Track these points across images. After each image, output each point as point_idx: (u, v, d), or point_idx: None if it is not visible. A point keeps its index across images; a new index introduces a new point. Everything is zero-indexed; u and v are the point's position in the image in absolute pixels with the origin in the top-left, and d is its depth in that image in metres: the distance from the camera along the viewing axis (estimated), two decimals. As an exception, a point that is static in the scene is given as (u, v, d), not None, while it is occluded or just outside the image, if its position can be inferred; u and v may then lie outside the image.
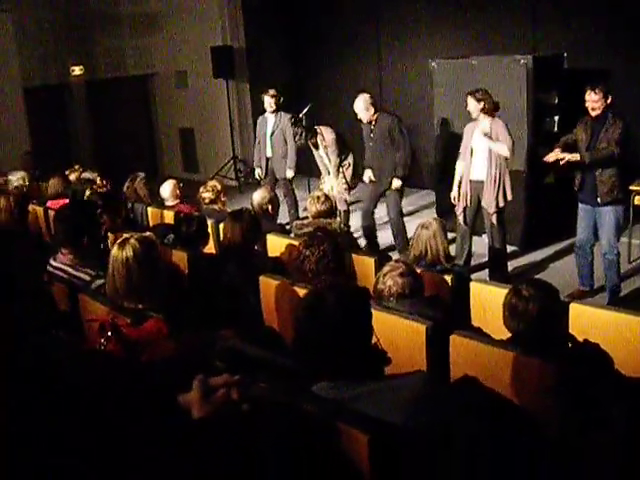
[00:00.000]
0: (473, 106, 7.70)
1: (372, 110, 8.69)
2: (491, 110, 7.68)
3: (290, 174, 10.31)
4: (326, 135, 9.59)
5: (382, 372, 2.84)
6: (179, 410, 2.15)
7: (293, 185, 10.60)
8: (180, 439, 2.00)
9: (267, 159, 10.61)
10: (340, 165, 9.65)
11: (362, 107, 8.70)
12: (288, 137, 10.20)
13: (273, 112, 10.38)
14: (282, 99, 10.44)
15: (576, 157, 7.00)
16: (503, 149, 7.56)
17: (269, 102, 10.33)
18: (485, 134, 7.59)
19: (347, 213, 9.77)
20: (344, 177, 9.65)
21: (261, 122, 10.68)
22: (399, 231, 8.90)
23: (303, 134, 9.65)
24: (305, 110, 10.11)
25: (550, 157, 7.29)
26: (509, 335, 4.10)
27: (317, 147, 9.71)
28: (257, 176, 11.00)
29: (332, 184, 9.68)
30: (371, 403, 2.58)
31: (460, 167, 8.08)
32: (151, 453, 1.91)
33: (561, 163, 7.08)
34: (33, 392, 1.90)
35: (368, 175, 8.95)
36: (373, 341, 2.87)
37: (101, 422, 1.87)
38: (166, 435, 2.03)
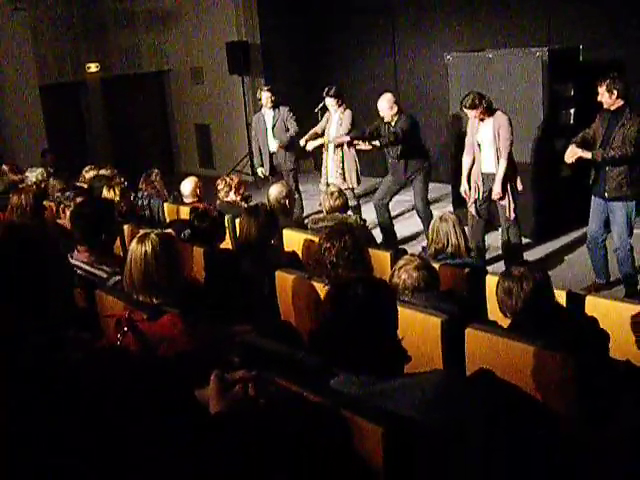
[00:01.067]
0: (472, 115, 7.74)
1: (395, 109, 8.73)
2: (489, 110, 7.69)
3: (293, 131, 10.29)
4: (347, 111, 9.60)
5: (401, 370, 2.83)
6: (197, 404, 2.17)
7: (297, 182, 10.60)
8: (196, 433, 2.03)
9: (271, 154, 10.64)
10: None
11: (386, 106, 8.75)
12: (291, 127, 10.28)
13: (271, 108, 10.43)
14: (278, 95, 10.49)
15: (588, 155, 6.96)
16: (502, 166, 7.63)
17: (267, 97, 10.38)
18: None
19: (358, 208, 9.75)
20: (341, 168, 9.67)
21: (258, 119, 10.70)
22: (427, 219, 8.85)
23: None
24: (320, 105, 10.13)
25: (568, 158, 7.27)
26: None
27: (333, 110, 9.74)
28: (260, 174, 11.06)
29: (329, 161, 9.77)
30: (389, 401, 2.58)
31: (466, 161, 8.10)
32: (162, 449, 1.93)
33: (572, 160, 7.04)
34: (33, 392, 1.92)
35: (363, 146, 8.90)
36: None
37: (107, 420, 1.89)
38: (182, 429, 2.06)
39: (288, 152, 10.41)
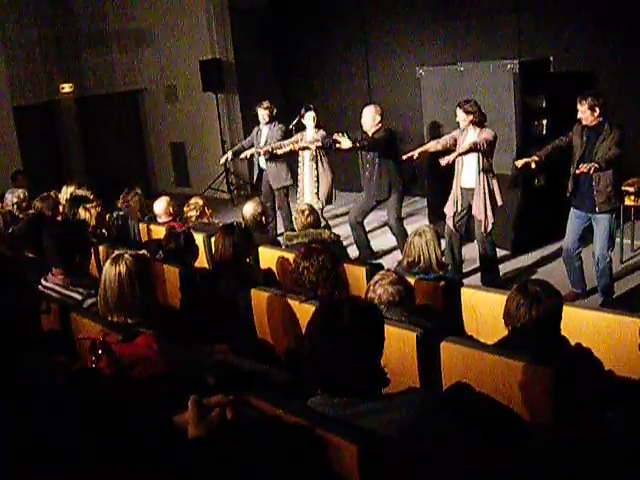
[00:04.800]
0: (462, 117, 7.74)
1: (377, 119, 8.69)
2: (479, 122, 7.70)
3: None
4: (321, 130, 9.62)
5: (380, 392, 2.82)
6: (175, 429, 2.16)
7: (289, 198, 10.56)
8: (175, 457, 2.02)
9: (260, 170, 10.62)
10: (317, 179, 9.73)
11: (373, 112, 8.71)
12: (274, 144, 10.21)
13: (267, 124, 10.37)
14: (275, 111, 10.44)
15: (593, 166, 6.69)
16: (468, 146, 7.55)
17: (263, 114, 10.31)
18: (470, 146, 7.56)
19: (327, 227, 9.77)
20: (316, 188, 9.69)
21: (256, 132, 10.59)
22: (400, 236, 8.85)
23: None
24: (295, 122, 10.13)
25: (520, 162, 7.46)
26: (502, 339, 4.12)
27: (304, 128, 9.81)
28: (224, 159, 11.34)
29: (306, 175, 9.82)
30: (367, 423, 2.57)
31: (432, 142, 8.19)
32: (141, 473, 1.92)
33: (578, 172, 6.88)
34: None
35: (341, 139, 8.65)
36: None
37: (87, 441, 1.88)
38: (161, 452, 2.05)
39: (277, 170, 10.31)
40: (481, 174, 7.66)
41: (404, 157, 7.96)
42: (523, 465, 3.35)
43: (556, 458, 3.42)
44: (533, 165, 7.32)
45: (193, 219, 7.69)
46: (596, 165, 6.66)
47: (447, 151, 7.84)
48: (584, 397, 3.72)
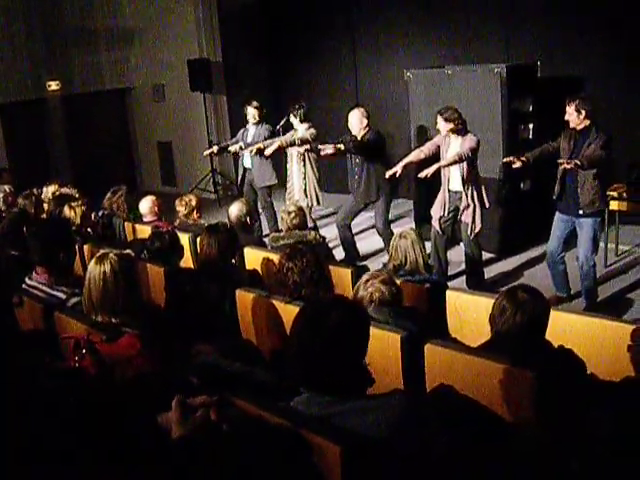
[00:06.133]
0: (442, 125, 7.72)
1: (364, 123, 8.67)
2: (460, 130, 7.69)
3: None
4: (312, 129, 9.58)
5: (364, 392, 2.82)
6: (159, 429, 2.16)
7: (271, 198, 10.55)
8: (159, 457, 2.02)
9: (245, 170, 10.58)
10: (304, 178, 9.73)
11: (358, 116, 8.70)
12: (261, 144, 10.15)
13: (255, 124, 10.34)
14: (265, 111, 10.40)
15: (574, 162, 6.76)
16: (452, 159, 7.55)
17: (252, 113, 10.24)
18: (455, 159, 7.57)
19: (315, 229, 9.74)
20: (304, 185, 9.69)
21: (242, 132, 10.57)
22: (387, 239, 8.81)
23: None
24: (282, 122, 10.11)
25: (507, 159, 7.54)
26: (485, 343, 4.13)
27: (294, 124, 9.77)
28: (208, 152, 11.23)
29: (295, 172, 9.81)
30: (350, 422, 2.58)
31: (415, 152, 8.10)
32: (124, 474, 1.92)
33: (563, 167, 6.98)
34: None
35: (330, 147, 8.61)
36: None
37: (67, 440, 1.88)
38: (145, 452, 2.05)
39: (262, 168, 10.26)
40: (468, 180, 7.67)
41: (387, 174, 7.94)
42: (506, 465, 3.37)
43: (539, 458, 3.44)
44: (519, 164, 7.34)
45: (180, 214, 7.70)
46: (578, 162, 6.72)
47: (432, 158, 7.85)
48: (565, 396, 3.73)
